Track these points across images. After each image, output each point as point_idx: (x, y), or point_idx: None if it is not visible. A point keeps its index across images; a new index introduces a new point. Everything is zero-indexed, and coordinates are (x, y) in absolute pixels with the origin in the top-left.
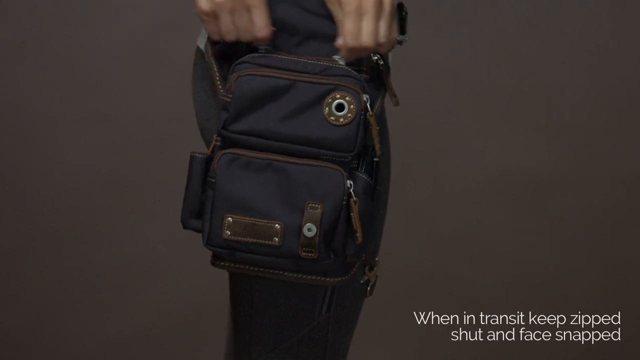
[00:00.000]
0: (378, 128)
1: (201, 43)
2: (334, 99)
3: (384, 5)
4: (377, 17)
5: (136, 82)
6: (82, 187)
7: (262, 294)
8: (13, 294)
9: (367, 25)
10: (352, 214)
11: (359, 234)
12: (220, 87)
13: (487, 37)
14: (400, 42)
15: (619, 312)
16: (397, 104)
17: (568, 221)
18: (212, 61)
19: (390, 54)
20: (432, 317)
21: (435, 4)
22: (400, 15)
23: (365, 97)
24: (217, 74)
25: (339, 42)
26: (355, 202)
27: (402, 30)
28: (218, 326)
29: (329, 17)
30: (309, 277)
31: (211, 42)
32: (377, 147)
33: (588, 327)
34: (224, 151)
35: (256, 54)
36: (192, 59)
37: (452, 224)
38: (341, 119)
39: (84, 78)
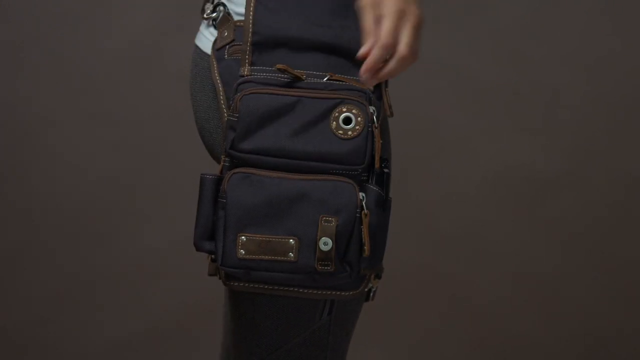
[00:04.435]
0: (381, 141)
1: (200, 42)
2: (341, 112)
3: (419, 21)
4: (417, 29)
5: (136, 82)
6: (81, 187)
7: (264, 297)
8: (12, 294)
9: (406, 33)
10: (362, 226)
11: (366, 247)
12: (224, 106)
13: (487, 37)
14: None
15: (619, 312)
16: (391, 115)
17: (568, 221)
18: (217, 79)
19: None
20: (432, 317)
21: (435, 5)
22: None
23: (371, 109)
24: (222, 92)
25: (368, 43)
26: (365, 214)
27: None
28: (216, 327)
29: (334, 27)
30: (324, 292)
31: (217, 58)
32: (377, 159)
33: (588, 327)
34: (233, 170)
35: (259, 74)
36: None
37: (452, 224)
38: (349, 132)
39: (84, 78)
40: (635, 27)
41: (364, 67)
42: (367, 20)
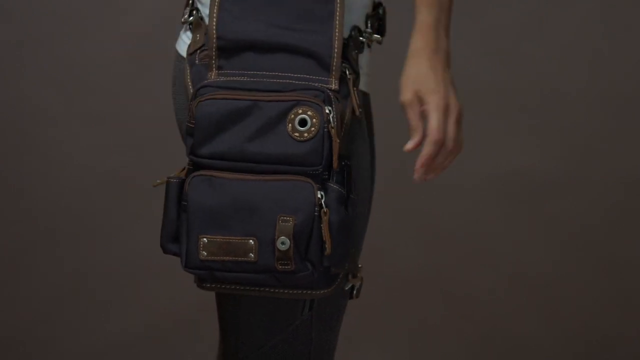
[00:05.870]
0: (338, 141)
1: (178, 46)
2: (297, 114)
3: (461, 114)
4: (459, 121)
5: (136, 82)
6: (82, 187)
7: (245, 295)
8: (12, 293)
9: (451, 127)
10: (322, 224)
11: (327, 245)
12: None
13: (485, 38)
14: (379, 42)
15: (619, 312)
16: (359, 114)
17: (567, 221)
18: (189, 84)
19: (366, 62)
20: (431, 317)
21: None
22: (378, 15)
23: (327, 109)
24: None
25: (415, 138)
26: (325, 212)
27: (382, 30)
28: (216, 326)
29: (298, 30)
30: (293, 291)
31: (189, 63)
32: (334, 159)
33: (587, 327)
34: (194, 173)
35: (219, 79)
36: None
37: (451, 224)
38: (305, 134)
39: (84, 78)
40: (632, 27)
41: (419, 163)
42: (412, 115)
